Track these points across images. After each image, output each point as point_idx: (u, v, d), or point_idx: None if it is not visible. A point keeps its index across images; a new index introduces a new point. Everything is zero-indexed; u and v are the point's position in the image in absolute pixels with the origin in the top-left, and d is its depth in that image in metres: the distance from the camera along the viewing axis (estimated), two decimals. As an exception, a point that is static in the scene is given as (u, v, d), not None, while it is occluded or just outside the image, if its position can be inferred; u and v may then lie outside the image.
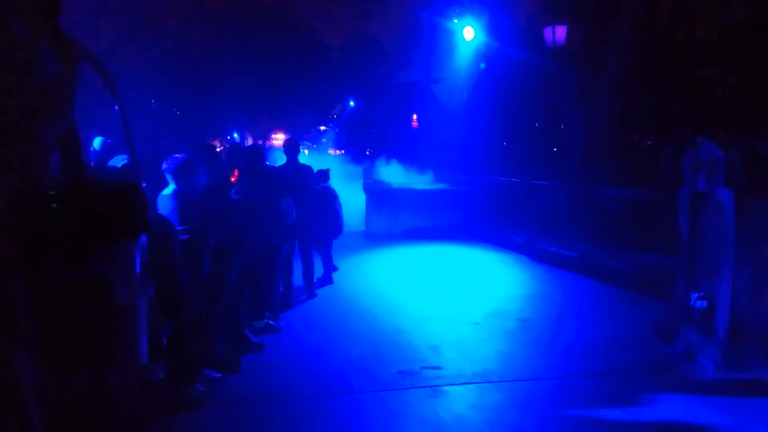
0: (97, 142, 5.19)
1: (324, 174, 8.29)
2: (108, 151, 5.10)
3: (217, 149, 6.06)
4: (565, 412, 4.29)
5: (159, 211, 4.10)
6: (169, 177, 4.39)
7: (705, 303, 5.25)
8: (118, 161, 4.39)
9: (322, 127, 35.54)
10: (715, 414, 4.19)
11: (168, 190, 4.40)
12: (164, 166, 4.39)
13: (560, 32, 11.81)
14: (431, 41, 21.26)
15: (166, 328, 3.58)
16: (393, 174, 14.97)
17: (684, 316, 5.56)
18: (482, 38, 16.04)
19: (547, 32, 11.99)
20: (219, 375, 4.75)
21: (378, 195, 12.83)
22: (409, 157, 17.61)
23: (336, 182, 13.81)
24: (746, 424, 4.05)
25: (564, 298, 7.64)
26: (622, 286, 7.94)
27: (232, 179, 5.98)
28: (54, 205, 1.24)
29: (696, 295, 5.37)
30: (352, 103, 33.75)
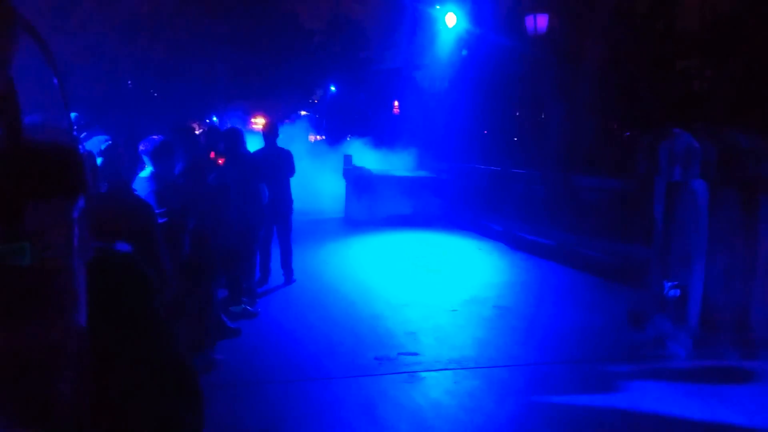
0: (71, 117, 5.11)
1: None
2: (86, 126, 5.06)
3: (196, 132, 5.99)
4: (540, 398, 4.34)
5: (137, 194, 4.05)
6: (146, 159, 4.32)
7: (678, 292, 5.34)
8: (100, 143, 4.32)
9: (303, 112, 35.32)
10: (685, 400, 4.27)
11: (145, 173, 4.34)
12: (141, 147, 4.32)
13: (542, 21, 11.82)
14: (413, 27, 21.18)
15: None
16: (373, 161, 14.92)
17: (658, 304, 5.64)
18: (464, 25, 16.00)
19: (529, 20, 12.00)
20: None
21: (358, 181, 12.78)
22: (390, 144, 17.54)
23: (315, 168, 13.71)
24: (715, 409, 4.13)
25: (541, 286, 7.72)
26: (598, 274, 8.03)
27: (220, 161, 5.92)
28: None
29: (669, 284, 5.45)
30: (333, 89, 33.49)
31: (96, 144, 4.02)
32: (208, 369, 4.58)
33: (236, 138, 6.13)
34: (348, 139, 21.04)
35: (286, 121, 18.99)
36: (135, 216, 3.53)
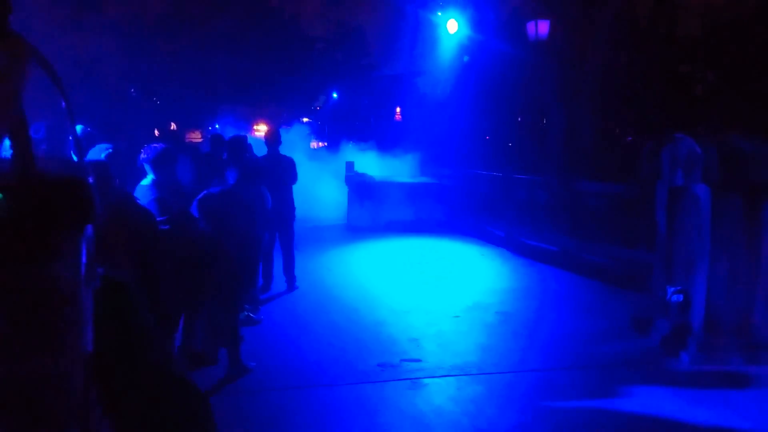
0: (77, 130, 5.14)
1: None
2: (88, 139, 5.08)
3: (198, 140, 6.01)
4: (543, 404, 4.33)
5: (139, 202, 4.06)
6: (147, 167, 4.34)
7: (681, 297, 5.32)
8: (101, 151, 4.34)
9: (305, 119, 35.41)
10: (689, 406, 4.25)
11: (146, 181, 4.35)
12: (142, 156, 4.34)
13: (543, 27, 11.84)
14: (415, 33, 21.23)
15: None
16: (376, 167, 14.92)
17: (661, 309, 5.63)
18: (466, 31, 16.04)
19: (530, 26, 12.02)
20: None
21: (360, 188, 12.78)
22: (392, 150, 17.57)
23: (317, 175, 13.69)
24: (719, 414, 4.12)
25: (544, 292, 7.70)
26: (601, 279, 8.01)
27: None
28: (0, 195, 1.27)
29: (672, 289, 5.44)
30: (335, 95, 33.57)
31: (97, 152, 4.03)
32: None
33: (242, 145, 6.14)
34: (349, 144, 21.04)
35: (284, 126, 18.98)
36: (137, 225, 3.53)
